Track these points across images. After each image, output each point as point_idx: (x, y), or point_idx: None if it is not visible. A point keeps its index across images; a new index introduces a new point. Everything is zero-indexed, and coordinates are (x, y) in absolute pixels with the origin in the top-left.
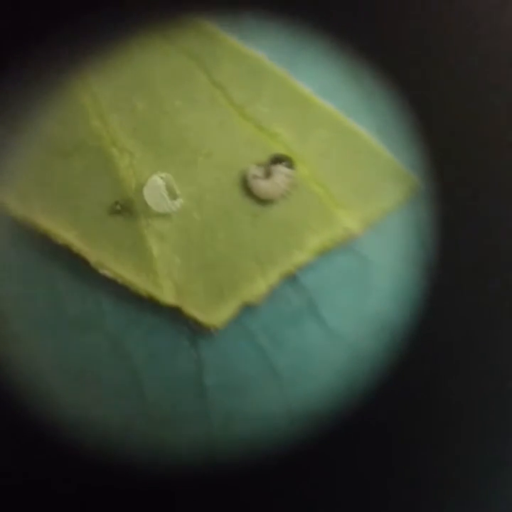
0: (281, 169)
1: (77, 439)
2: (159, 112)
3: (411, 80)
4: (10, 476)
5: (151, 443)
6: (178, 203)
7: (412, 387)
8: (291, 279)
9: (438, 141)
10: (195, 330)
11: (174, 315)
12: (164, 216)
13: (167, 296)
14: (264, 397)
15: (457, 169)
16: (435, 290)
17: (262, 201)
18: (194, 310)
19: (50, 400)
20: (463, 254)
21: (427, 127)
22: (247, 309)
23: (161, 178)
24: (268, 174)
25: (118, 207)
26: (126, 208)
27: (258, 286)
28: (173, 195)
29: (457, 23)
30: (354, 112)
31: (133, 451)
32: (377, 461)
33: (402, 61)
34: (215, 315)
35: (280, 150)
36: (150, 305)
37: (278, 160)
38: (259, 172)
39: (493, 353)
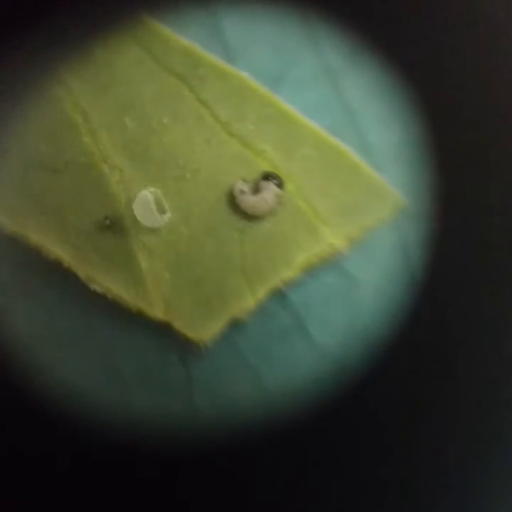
0: (270, 187)
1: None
2: (148, 129)
3: (407, 96)
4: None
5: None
6: (167, 217)
7: (396, 402)
8: (278, 295)
9: (427, 159)
10: (184, 345)
11: (163, 330)
12: (153, 231)
13: (156, 311)
14: (252, 410)
15: (447, 187)
16: (420, 307)
17: (249, 217)
18: (183, 325)
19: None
20: (449, 273)
21: (419, 146)
22: (236, 325)
23: (150, 192)
24: (256, 190)
25: (108, 222)
26: (116, 223)
27: (246, 302)
28: (162, 210)
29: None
30: (339, 130)
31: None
32: (363, 469)
33: (396, 75)
34: (204, 331)
35: (266, 167)
36: (139, 320)
37: (269, 177)
38: (246, 187)
39: (478, 370)
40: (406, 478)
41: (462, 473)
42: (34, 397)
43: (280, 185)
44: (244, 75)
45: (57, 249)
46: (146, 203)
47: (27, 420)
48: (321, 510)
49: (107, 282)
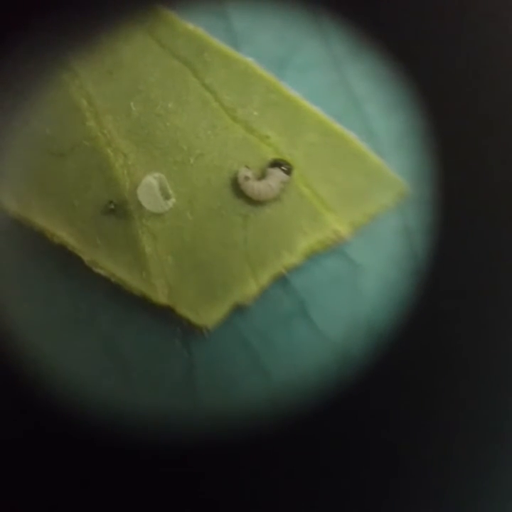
0: (277, 173)
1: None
2: (153, 114)
3: (411, 85)
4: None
5: (140, 435)
6: (171, 202)
7: (397, 389)
8: (281, 280)
9: (433, 147)
10: (187, 330)
11: (167, 315)
12: (157, 216)
13: (160, 295)
14: (254, 395)
15: (450, 174)
16: (423, 294)
17: (253, 202)
18: (186, 310)
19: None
20: (453, 260)
21: (422, 133)
22: (238, 310)
23: (155, 178)
24: (262, 176)
25: (112, 206)
26: (120, 208)
27: (249, 288)
28: (166, 195)
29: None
30: (343, 116)
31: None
32: (360, 457)
33: (400, 64)
34: (207, 315)
35: (270, 152)
36: (143, 304)
37: (277, 164)
38: (250, 173)
39: (480, 359)
40: (409, 469)
41: (468, 466)
42: (35, 381)
43: (288, 171)
44: (249, 60)
45: (62, 233)
46: (151, 189)
47: (28, 407)
48: (321, 501)
49: (110, 266)
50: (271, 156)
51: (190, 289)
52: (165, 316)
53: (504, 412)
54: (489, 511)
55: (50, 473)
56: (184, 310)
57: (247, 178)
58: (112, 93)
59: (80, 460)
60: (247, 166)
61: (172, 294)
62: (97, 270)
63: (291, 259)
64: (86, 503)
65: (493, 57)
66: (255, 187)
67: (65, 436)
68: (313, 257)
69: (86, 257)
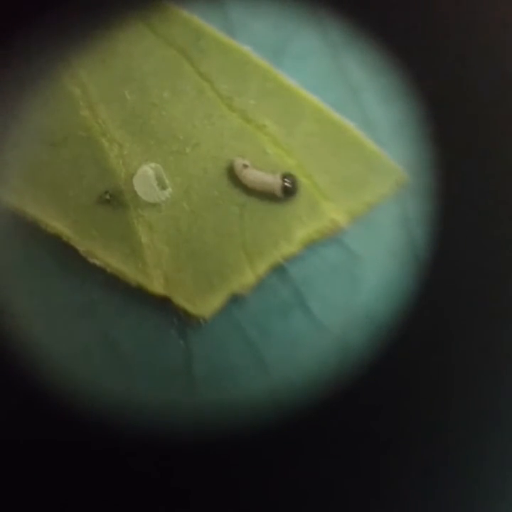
0: (277, 180)
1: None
2: (148, 103)
3: (408, 72)
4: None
5: (138, 427)
6: (168, 192)
7: (397, 379)
8: (279, 270)
9: (431, 135)
10: (183, 320)
11: (163, 305)
12: (154, 206)
13: (156, 285)
14: (252, 386)
15: (448, 163)
16: (423, 284)
17: (250, 192)
18: (183, 300)
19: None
20: (452, 250)
21: (420, 121)
22: (236, 300)
23: (151, 168)
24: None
25: (107, 196)
26: (116, 198)
27: (246, 277)
28: (163, 185)
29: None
30: (340, 105)
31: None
32: (357, 450)
33: (397, 52)
34: (204, 305)
35: (267, 141)
36: (139, 294)
37: (283, 176)
38: (247, 161)
39: (480, 348)
40: (409, 463)
41: (470, 460)
42: (32, 374)
43: (291, 185)
44: (246, 48)
45: (57, 224)
46: (147, 179)
47: (23, 399)
48: (317, 493)
49: (106, 256)
50: (268, 145)
51: (187, 279)
52: (161, 306)
53: (509, 399)
54: (489, 510)
55: (46, 465)
56: (181, 300)
57: (245, 166)
58: (106, 82)
59: (76, 451)
60: (242, 157)
61: (168, 284)
62: (93, 261)
63: (288, 248)
64: (80, 495)
65: (491, 44)
66: (256, 174)
67: (62, 427)
68: (311, 246)
69: (81, 248)
